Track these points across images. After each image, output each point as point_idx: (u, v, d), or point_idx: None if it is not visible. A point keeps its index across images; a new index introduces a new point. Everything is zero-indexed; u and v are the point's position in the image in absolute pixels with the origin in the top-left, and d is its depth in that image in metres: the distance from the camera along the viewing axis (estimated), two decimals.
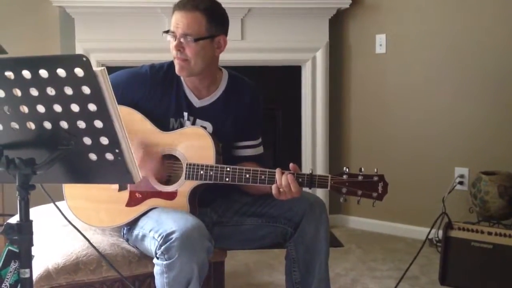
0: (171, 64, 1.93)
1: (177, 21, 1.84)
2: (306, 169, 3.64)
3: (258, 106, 2.04)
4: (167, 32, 1.86)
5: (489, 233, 2.62)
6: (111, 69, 1.88)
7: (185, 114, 1.92)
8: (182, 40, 1.83)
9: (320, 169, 3.62)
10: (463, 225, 2.70)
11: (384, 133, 3.61)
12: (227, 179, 1.77)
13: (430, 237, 3.15)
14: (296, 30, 3.53)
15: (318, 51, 3.61)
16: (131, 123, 1.82)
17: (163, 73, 1.93)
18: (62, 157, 1.20)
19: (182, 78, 1.93)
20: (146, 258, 1.84)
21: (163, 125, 1.87)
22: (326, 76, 3.65)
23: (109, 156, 1.19)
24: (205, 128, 1.88)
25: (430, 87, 3.42)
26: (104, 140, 1.18)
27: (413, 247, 3.02)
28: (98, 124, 1.17)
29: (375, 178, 1.70)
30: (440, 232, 2.87)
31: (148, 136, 1.84)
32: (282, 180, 1.73)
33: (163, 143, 1.84)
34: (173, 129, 1.89)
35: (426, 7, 3.41)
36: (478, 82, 3.25)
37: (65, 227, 1.99)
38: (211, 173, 1.78)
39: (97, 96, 1.14)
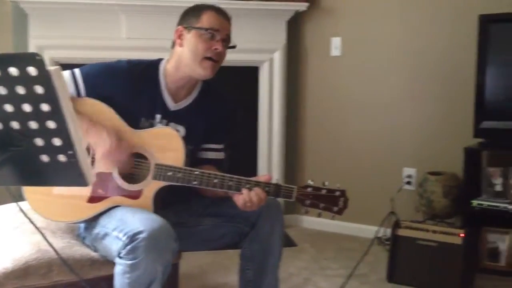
0: (150, 64, 1.92)
1: (221, 23, 1.87)
2: (262, 171, 3.69)
3: (229, 111, 2.05)
4: (207, 29, 1.84)
5: (434, 232, 2.73)
6: (66, 67, 1.87)
7: (158, 116, 1.89)
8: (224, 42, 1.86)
9: (276, 171, 3.68)
10: (410, 224, 2.81)
11: (338, 134, 3.70)
12: (194, 183, 1.77)
13: (379, 235, 3.26)
14: (254, 31, 3.56)
15: (276, 52, 3.66)
16: (100, 117, 1.80)
17: (140, 71, 1.89)
18: (13, 159, 1.17)
19: (162, 79, 1.90)
20: (99, 262, 1.81)
21: (133, 124, 1.84)
22: (283, 78, 3.70)
23: (62, 158, 1.17)
24: (178, 131, 1.88)
25: (382, 90, 3.53)
26: (57, 141, 1.16)
27: (364, 246, 3.11)
28: (51, 124, 1.14)
29: (337, 193, 1.76)
30: (389, 231, 2.98)
31: (117, 132, 1.81)
32: (252, 196, 1.74)
33: (131, 141, 1.81)
34: (142, 128, 1.87)
35: (381, 10, 3.51)
36: (428, 85, 3.37)
37: (15, 229, 1.94)
38: (179, 175, 1.77)
39: (51, 96, 1.11)
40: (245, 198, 1.75)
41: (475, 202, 2.90)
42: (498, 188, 2.94)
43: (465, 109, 3.07)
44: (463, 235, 2.66)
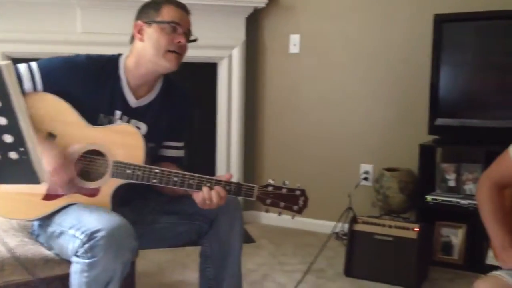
0: (110, 59, 1.88)
1: (182, 16, 1.86)
2: (220, 168, 3.67)
3: (190, 109, 2.03)
4: (169, 23, 1.82)
5: (390, 226, 2.79)
6: (18, 62, 1.82)
7: (118, 112, 1.86)
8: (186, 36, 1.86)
9: (235, 169, 3.66)
10: (367, 219, 2.86)
11: (297, 131, 3.73)
12: (154, 181, 1.75)
13: (337, 231, 3.31)
14: (213, 27, 3.52)
15: (235, 49, 3.65)
16: (57, 113, 1.76)
17: (100, 66, 1.85)
18: None
19: (122, 75, 1.87)
20: (53, 261, 1.77)
21: (91, 120, 1.80)
22: (242, 75, 3.68)
23: (13, 155, 1.15)
24: (139, 128, 1.85)
25: (340, 88, 3.57)
26: (8, 138, 1.14)
27: (322, 241, 3.15)
28: (2, 121, 1.12)
29: (297, 192, 1.77)
30: (346, 226, 3.02)
31: (74, 128, 1.77)
32: (212, 195, 1.73)
33: (89, 137, 1.78)
34: (101, 125, 1.83)
35: (340, 9, 3.55)
36: (384, 83, 3.43)
37: None
38: (139, 173, 1.74)
39: (1, 91, 1.09)
40: (204, 196, 1.74)
41: (429, 197, 2.98)
42: (451, 183, 3.03)
43: (420, 107, 3.14)
44: (417, 229, 2.72)
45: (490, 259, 2.69)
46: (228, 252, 1.92)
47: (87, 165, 1.80)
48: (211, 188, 1.74)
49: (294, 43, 3.68)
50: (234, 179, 1.79)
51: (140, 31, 1.86)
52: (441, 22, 2.99)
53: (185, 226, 1.93)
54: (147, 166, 1.76)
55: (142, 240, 1.88)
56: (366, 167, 3.49)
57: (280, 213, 1.78)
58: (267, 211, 1.78)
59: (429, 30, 3.02)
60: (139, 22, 1.87)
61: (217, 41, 3.58)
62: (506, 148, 1.78)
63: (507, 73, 2.95)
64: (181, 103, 1.99)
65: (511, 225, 1.75)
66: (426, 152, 3.03)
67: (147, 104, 1.92)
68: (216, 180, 1.75)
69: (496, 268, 1.64)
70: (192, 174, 1.75)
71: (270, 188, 1.76)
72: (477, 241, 2.87)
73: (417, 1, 3.29)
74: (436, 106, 3.03)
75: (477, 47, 3.02)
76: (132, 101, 1.89)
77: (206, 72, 3.67)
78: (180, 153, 2.03)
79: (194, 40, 1.90)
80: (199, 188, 1.74)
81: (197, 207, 1.80)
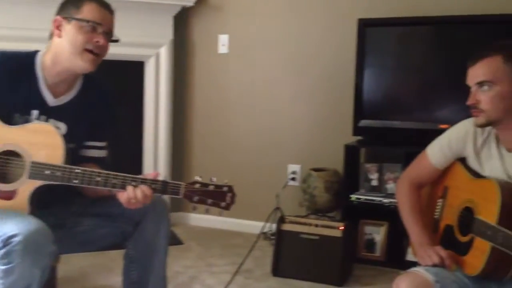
0: (26, 56, 1.79)
1: (103, 16, 1.79)
2: (147, 168, 3.61)
3: (112, 108, 1.98)
4: (88, 21, 1.75)
5: (316, 225, 2.84)
6: None
7: (35, 112, 1.78)
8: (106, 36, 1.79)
9: (162, 167, 3.62)
10: (294, 219, 2.90)
11: (225, 131, 3.72)
12: (75, 181, 1.68)
13: (265, 231, 3.33)
14: (140, 25, 3.46)
15: (162, 47, 3.59)
16: None
17: (16, 63, 1.77)
18: None
19: (39, 73, 1.78)
20: None
21: (6, 120, 1.72)
22: (170, 74, 3.64)
23: None
24: (58, 128, 1.77)
25: (269, 89, 3.60)
26: None
27: (250, 241, 3.16)
28: None
29: (225, 189, 1.75)
30: (274, 226, 3.05)
31: None
32: (137, 193, 1.68)
33: (4, 138, 1.69)
34: (17, 124, 1.74)
35: (268, 11, 3.58)
36: (311, 85, 3.49)
37: None
38: (58, 173, 1.68)
39: None
40: (129, 195, 1.69)
41: (353, 197, 3.06)
42: (374, 183, 3.13)
43: (345, 109, 3.22)
44: (342, 228, 2.78)
45: (410, 256, 2.80)
46: (154, 255, 1.89)
47: (3, 167, 1.71)
48: (136, 187, 1.70)
49: (223, 43, 3.68)
50: (162, 178, 1.76)
51: (59, 27, 1.79)
52: (365, 26, 3.09)
53: (109, 229, 1.88)
54: (67, 166, 1.69)
55: (63, 244, 1.81)
56: (293, 167, 3.53)
57: (207, 210, 1.76)
58: (194, 208, 1.76)
59: (354, 34, 3.11)
60: (59, 17, 1.80)
61: (144, 40, 3.52)
62: (424, 148, 1.86)
63: (426, 77, 3.09)
64: (102, 102, 1.93)
65: (427, 222, 1.83)
66: (350, 152, 3.11)
67: (66, 103, 1.85)
68: (141, 178, 1.71)
69: (415, 264, 1.70)
70: (116, 173, 1.71)
71: (197, 185, 1.73)
72: (398, 239, 2.97)
73: (342, 5, 3.37)
74: (360, 108, 3.12)
75: (398, 52, 3.14)
76: (50, 99, 1.81)
77: (133, 71, 3.60)
78: (102, 153, 1.97)
79: (116, 41, 1.85)
80: (123, 187, 1.70)
81: (122, 209, 1.75)
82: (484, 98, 1.60)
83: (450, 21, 2.99)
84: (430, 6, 3.10)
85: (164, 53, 3.61)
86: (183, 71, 3.77)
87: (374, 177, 3.12)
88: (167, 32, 3.60)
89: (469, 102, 1.63)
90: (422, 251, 1.70)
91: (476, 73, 1.61)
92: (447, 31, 3.03)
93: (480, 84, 1.60)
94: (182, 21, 3.68)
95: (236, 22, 3.65)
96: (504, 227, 1.48)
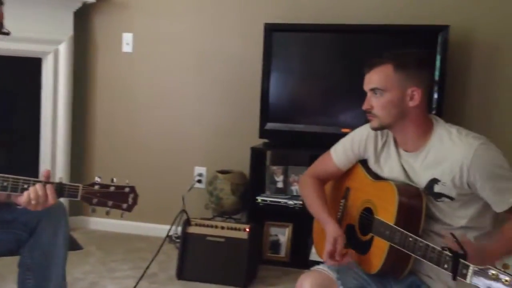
0: None
1: None
2: (45, 169, 3.42)
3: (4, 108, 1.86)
4: None
5: (222, 228, 2.84)
6: None
7: None
8: None
9: (61, 171, 3.44)
10: (200, 221, 2.88)
11: (129, 132, 3.62)
12: None
13: (171, 234, 3.27)
14: (37, 20, 3.28)
15: (61, 44, 3.43)
16: None
17: None
18: None
19: None
20: None
21: None
22: (69, 71, 3.49)
23: None
24: None
25: (173, 90, 3.55)
26: None
27: (155, 245, 3.08)
28: None
29: (127, 189, 1.69)
30: (180, 229, 3.00)
31: None
32: (38, 191, 1.59)
33: None
34: None
35: (175, 11, 3.52)
36: (218, 88, 3.48)
37: None
38: None
39: None
40: (25, 198, 1.60)
41: (259, 199, 3.10)
42: (280, 185, 3.18)
43: (252, 111, 3.25)
44: (248, 230, 2.80)
45: (314, 256, 2.88)
46: (51, 262, 1.82)
47: None
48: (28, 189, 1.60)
49: (127, 41, 3.58)
50: (58, 179, 1.67)
51: None
52: (271, 30, 3.13)
53: (2, 235, 1.79)
54: None
55: None
56: (199, 169, 3.51)
57: (108, 213, 1.69)
58: (93, 211, 1.68)
59: (261, 38, 3.14)
60: None
61: (42, 35, 3.34)
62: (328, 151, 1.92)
63: (329, 83, 3.20)
64: None
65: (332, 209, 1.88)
66: (257, 155, 3.14)
67: None
68: (35, 180, 1.62)
69: (318, 263, 1.75)
70: (5, 176, 1.60)
71: (96, 187, 1.67)
72: (302, 239, 3.05)
73: (250, 9, 3.40)
74: (267, 111, 3.16)
75: (303, 57, 3.23)
76: None
77: (30, 68, 3.41)
78: None
79: (7, 33, 1.73)
80: (15, 190, 1.60)
81: (15, 214, 1.69)
82: (376, 103, 1.67)
83: (352, 30, 3.13)
84: (335, 14, 3.20)
85: (64, 50, 3.45)
86: (85, 69, 3.62)
87: (279, 179, 3.18)
88: (66, 28, 3.44)
89: (364, 107, 1.70)
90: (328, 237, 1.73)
91: (370, 79, 1.69)
92: (349, 39, 3.15)
93: (373, 90, 1.68)
94: (83, 17, 3.54)
95: (141, 21, 3.56)
96: (401, 227, 1.56)
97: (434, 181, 1.62)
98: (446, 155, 1.61)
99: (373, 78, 1.68)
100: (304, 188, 1.93)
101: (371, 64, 1.69)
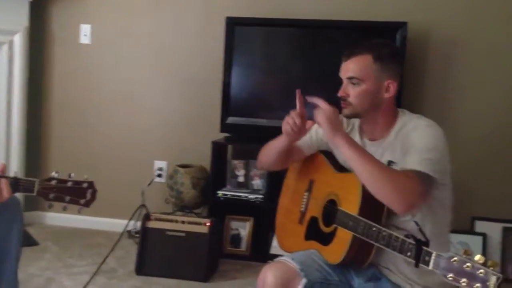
0: None
1: None
2: None
3: None
4: None
5: (183, 222, 2.81)
6: None
7: None
8: None
9: (15, 166, 3.33)
10: (160, 216, 2.84)
11: (88, 125, 3.54)
12: None
13: (129, 229, 3.23)
14: None
15: (16, 35, 3.33)
16: None
17: None
18: None
19: None
20: None
21: None
22: (25, 63, 3.39)
23: None
24: None
25: (133, 83, 3.49)
26: None
27: (114, 241, 3.03)
28: None
29: (85, 185, 1.65)
30: (139, 224, 2.95)
31: None
32: None
33: None
34: None
35: (135, 3, 3.47)
36: (178, 81, 3.44)
37: None
38: None
39: None
40: None
41: (220, 193, 3.09)
42: (241, 179, 3.18)
43: (213, 105, 3.23)
44: (209, 224, 2.78)
45: (274, 249, 2.89)
46: (5, 258, 1.77)
47: None
48: None
49: (85, 33, 3.50)
50: (13, 174, 1.62)
51: None
52: (233, 24, 3.12)
53: None
54: None
55: None
56: (160, 163, 3.46)
57: (65, 208, 1.65)
58: (50, 206, 1.63)
59: (221, 32, 3.12)
60: None
61: None
62: None
63: (290, 77, 3.20)
64: None
65: (294, 215, 1.88)
66: (218, 149, 3.13)
67: None
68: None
69: (279, 256, 1.75)
70: None
71: (53, 182, 1.62)
72: (263, 233, 3.06)
73: (212, 3, 3.37)
74: (228, 106, 3.15)
75: (265, 51, 3.23)
76: None
77: None
78: None
79: None
80: None
81: None
82: (352, 92, 1.69)
83: (313, 25, 3.14)
84: (296, 9, 3.21)
85: (18, 41, 3.35)
86: (41, 60, 3.52)
87: (240, 173, 3.17)
88: (22, 19, 3.34)
89: (340, 93, 1.71)
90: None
91: (348, 68, 1.70)
92: (310, 33, 3.17)
93: (350, 79, 1.69)
94: (40, 8, 3.44)
95: (100, 13, 3.49)
96: (364, 217, 1.58)
97: (390, 163, 1.65)
98: (403, 140, 1.64)
99: (351, 67, 1.69)
100: (262, 151, 1.97)
101: (350, 53, 1.70)
